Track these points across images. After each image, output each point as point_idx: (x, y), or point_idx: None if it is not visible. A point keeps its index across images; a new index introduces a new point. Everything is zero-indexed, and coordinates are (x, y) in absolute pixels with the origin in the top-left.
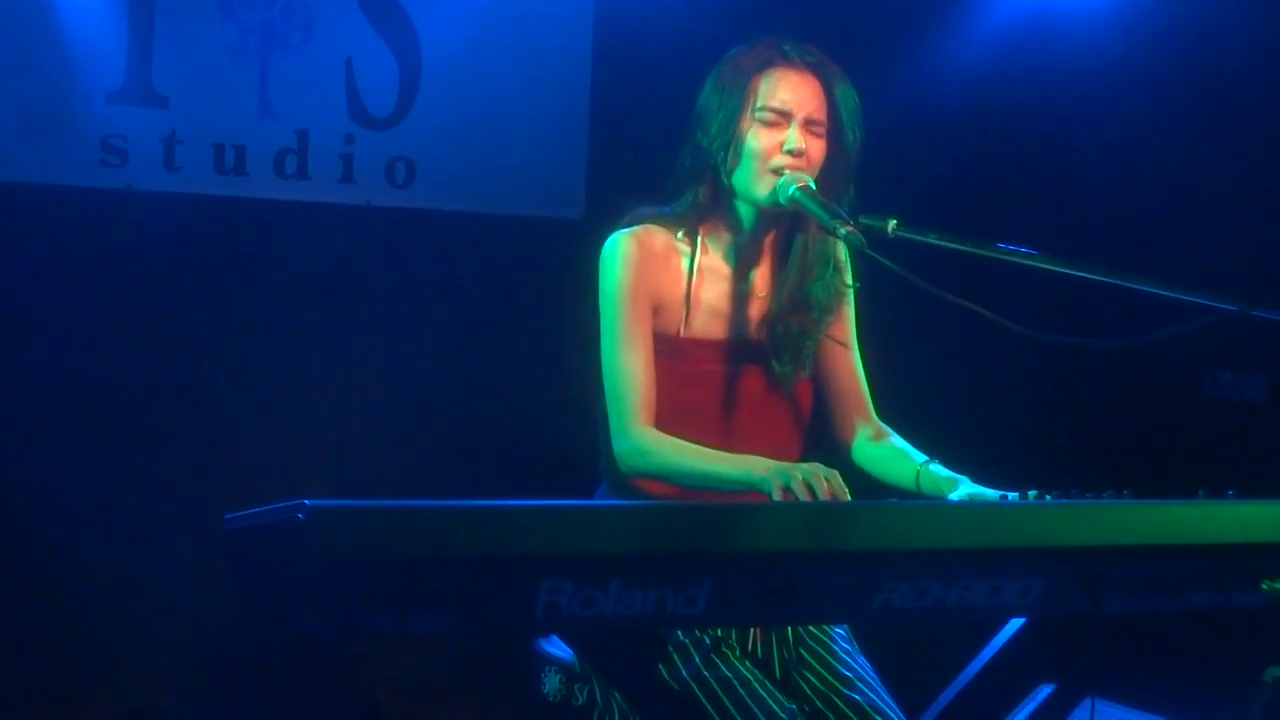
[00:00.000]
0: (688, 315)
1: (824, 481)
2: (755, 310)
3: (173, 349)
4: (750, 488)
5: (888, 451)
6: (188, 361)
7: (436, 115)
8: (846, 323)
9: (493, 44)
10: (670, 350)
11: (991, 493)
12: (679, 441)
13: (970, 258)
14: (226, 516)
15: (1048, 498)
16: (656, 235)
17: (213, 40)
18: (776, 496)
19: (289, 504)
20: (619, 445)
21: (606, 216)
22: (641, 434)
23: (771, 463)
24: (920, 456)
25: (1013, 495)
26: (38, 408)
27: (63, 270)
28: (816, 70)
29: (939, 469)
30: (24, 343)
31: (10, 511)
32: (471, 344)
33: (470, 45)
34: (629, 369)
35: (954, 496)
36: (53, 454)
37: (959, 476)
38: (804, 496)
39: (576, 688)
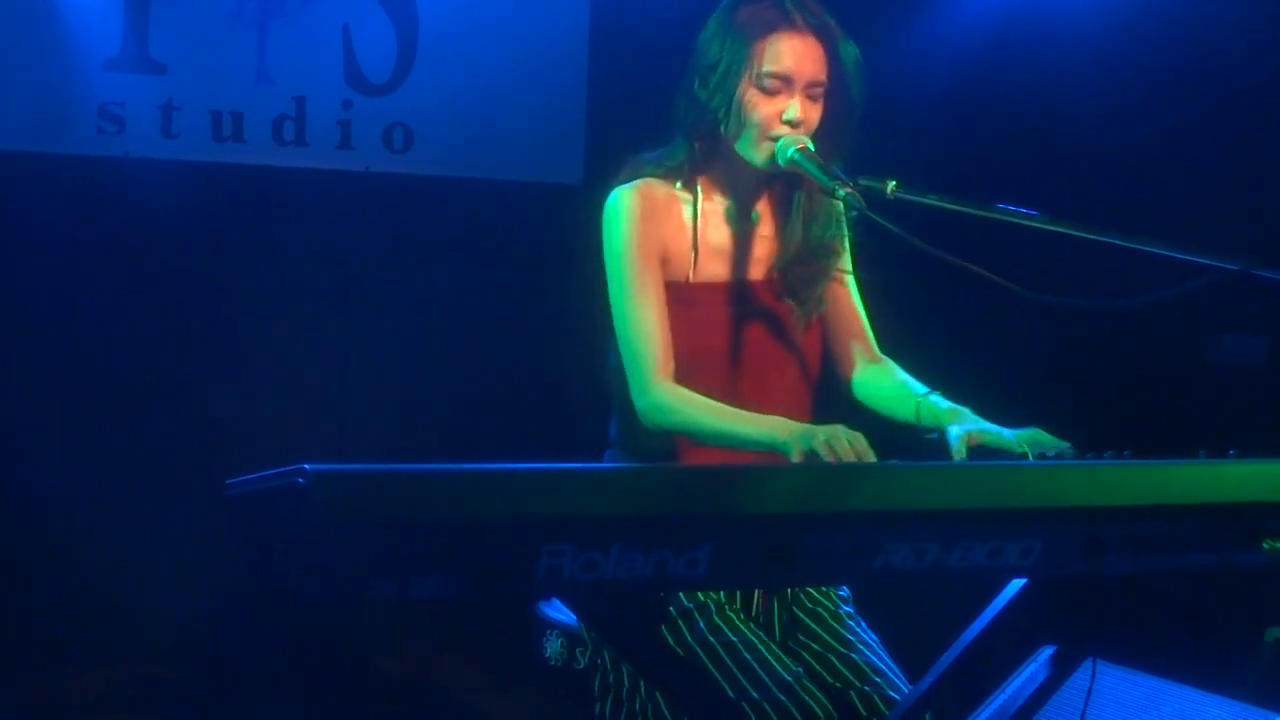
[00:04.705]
0: (696, 260)
1: (846, 444)
2: (763, 250)
3: (171, 316)
4: (772, 449)
5: (888, 385)
6: (186, 328)
7: (434, 81)
8: (845, 262)
9: (490, 8)
10: (681, 297)
11: (992, 426)
12: (701, 399)
13: (970, 219)
14: (227, 482)
15: (1044, 443)
16: (656, 187)
17: (210, 6)
18: (797, 459)
19: (289, 469)
20: (640, 401)
21: (605, 181)
22: (662, 389)
23: (794, 424)
24: (921, 388)
25: (1009, 435)
26: (37, 375)
27: (61, 238)
28: (819, 32)
29: (939, 400)
30: (23, 310)
31: (10, 479)
32: (470, 309)
33: (467, 10)
34: (643, 323)
35: (955, 428)
36: (51, 422)
37: (960, 408)
38: (826, 458)
39: (578, 651)
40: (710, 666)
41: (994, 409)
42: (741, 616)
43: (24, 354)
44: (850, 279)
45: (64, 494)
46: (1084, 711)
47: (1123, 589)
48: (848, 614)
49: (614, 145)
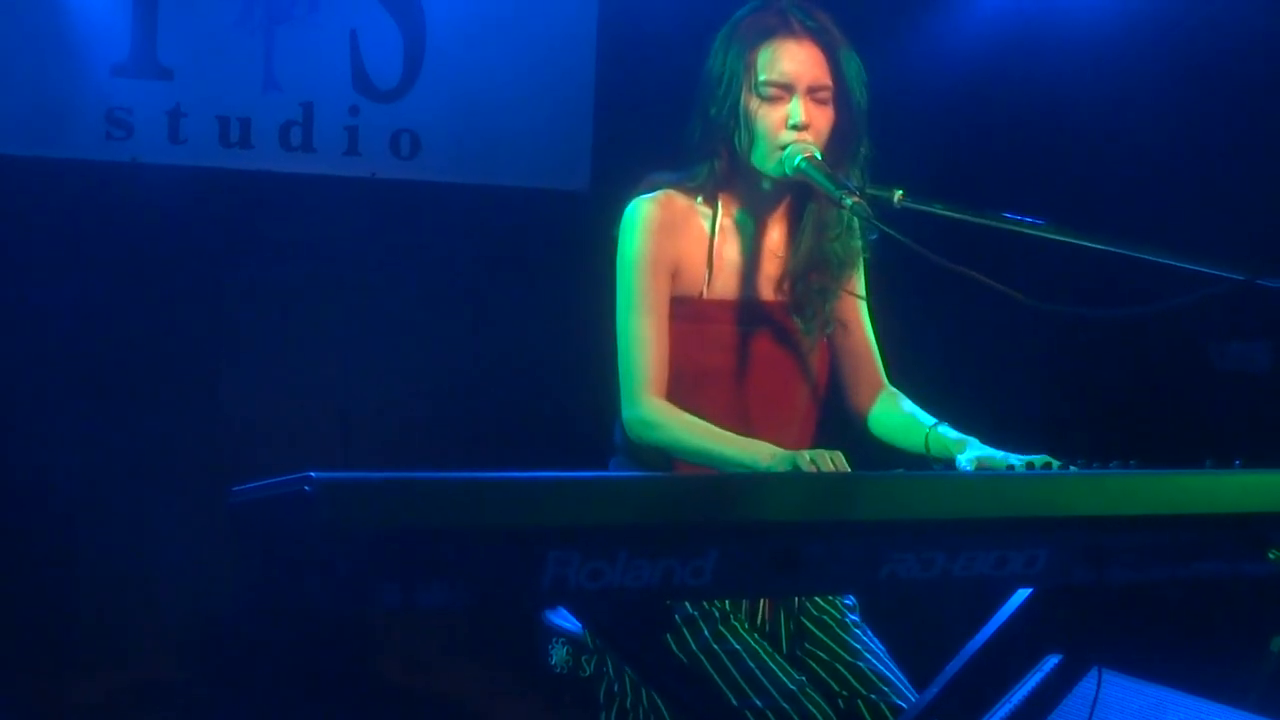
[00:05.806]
0: (710, 276)
1: (830, 463)
2: (776, 270)
3: (178, 322)
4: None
5: (899, 418)
6: (193, 335)
7: (441, 87)
8: (857, 284)
9: (497, 15)
10: (693, 313)
11: (999, 453)
12: (689, 417)
13: (977, 228)
14: (232, 489)
15: (1054, 467)
16: (677, 200)
17: (217, 12)
18: None
19: (295, 476)
20: (628, 413)
21: (612, 188)
22: (651, 405)
23: (779, 450)
24: (929, 419)
25: (1017, 462)
26: (43, 381)
27: (68, 243)
28: (817, 36)
29: (947, 430)
30: (30, 316)
31: (16, 483)
32: (476, 316)
33: (475, 17)
34: (644, 337)
35: (962, 457)
36: (57, 427)
37: (967, 437)
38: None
39: (584, 659)
40: (714, 675)
41: (1000, 417)
42: (746, 625)
43: (30, 359)
44: (863, 305)
45: (68, 497)
46: None
47: (1128, 598)
48: (854, 623)
49: (621, 152)
